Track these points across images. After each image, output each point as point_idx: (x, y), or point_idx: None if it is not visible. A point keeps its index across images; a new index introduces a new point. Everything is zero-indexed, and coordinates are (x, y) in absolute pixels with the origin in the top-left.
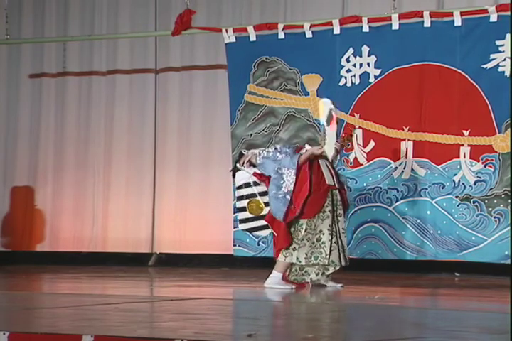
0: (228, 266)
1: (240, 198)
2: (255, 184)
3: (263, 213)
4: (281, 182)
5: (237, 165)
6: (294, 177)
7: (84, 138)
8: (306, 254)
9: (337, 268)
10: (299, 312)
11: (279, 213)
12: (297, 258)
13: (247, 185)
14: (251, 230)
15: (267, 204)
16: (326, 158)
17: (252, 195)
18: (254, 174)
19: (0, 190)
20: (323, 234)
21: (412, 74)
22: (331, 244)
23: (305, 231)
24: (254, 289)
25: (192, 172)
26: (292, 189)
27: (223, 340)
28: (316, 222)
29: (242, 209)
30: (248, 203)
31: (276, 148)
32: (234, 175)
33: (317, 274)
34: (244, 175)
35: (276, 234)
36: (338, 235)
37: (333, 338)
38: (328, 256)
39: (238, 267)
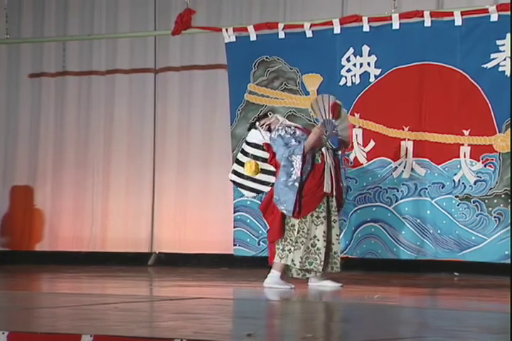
0: (228, 265)
1: (245, 153)
2: (264, 149)
3: (257, 177)
4: (291, 169)
5: (257, 123)
6: (301, 163)
7: (84, 138)
8: (301, 258)
9: (318, 274)
10: (298, 312)
11: (289, 204)
12: (292, 261)
13: (257, 146)
14: (238, 185)
15: (264, 171)
16: (333, 159)
17: (256, 157)
18: (264, 143)
19: None
20: (318, 240)
21: (413, 73)
22: (326, 250)
23: (298, 233)
24: (254, 289)
25: (192, 172)
26: (300, 175)
27: (223, 340)
28: (309, 226)
29: (241, 164)
30: (248, 161)
31: (295, 133)
32: (249, 129)
33: (298, 274)
34: (259, 137)
35: (268, 226)
36: (331, 241)
37: (332, 338)
38: (322, 263)
39: (238, 267)
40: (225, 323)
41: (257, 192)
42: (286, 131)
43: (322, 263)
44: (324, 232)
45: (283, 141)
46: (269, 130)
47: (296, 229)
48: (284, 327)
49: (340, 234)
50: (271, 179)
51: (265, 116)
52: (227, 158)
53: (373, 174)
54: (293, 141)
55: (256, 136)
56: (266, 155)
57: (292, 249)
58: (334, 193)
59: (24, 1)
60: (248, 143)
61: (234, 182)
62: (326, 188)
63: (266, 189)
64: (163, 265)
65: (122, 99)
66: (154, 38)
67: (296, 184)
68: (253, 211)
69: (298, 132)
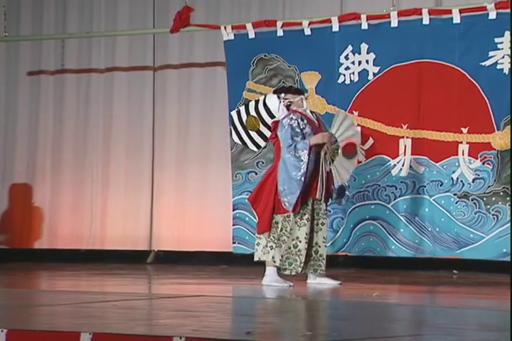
0: (227, 263)
1: (256, 107)
2: (272, 118)
3: (252, 132)
4: (301, 163)
5: (283, 94)
6: (307, 158)
7: (83, 136)
8: (282, 257)
9: (293, 273)
10: (297, 310)
11: (293, 198)
12: (273, 258)
13: (269, 112)
14: (232, 124)
15: (260, 133)
16: (329, 163)
17: (261, 119)
18: (273, 122)
19: None
20: (300, 241)
21: (411, 71)
22: (306, 252)
23: (280, 230)
24: (253, 286)
25: (191, 170)
26: (306, 170)
27: (222, 337)
28: (292, 225)
29: (247, 111)
30: (253, 117)
31: (304, 128)
32: (274, 93)
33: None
34: (275, 106)
35: (257, 217)
36: (317, 244)
37: (331, 335)
38: (302, 264)
39: (237, 264)
40: (224, 321)
41: (243, 142)
42: (298, 124)
43: (302, 264)
44: (306, 234)
45: (291, 132)
46: (288, 107)
47: (280, 227)
48: (283, 324)
49: (327, 236)
50: (261, 142)
51: (295, 92)
52: (226, 156)
53: (372, 172)
54: (300, 136)
55: (274, 103)
56: (269, 121)
57: (274, 246)
58: (323, 199)
59: None
60: (264, 104)
61: (232, 120)
62: (318, 195)
63: (251, 145)
64: (162, 263)
65: (121, 96)
66: (153, 36)
67: (303, 178)
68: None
69: (307, 128)
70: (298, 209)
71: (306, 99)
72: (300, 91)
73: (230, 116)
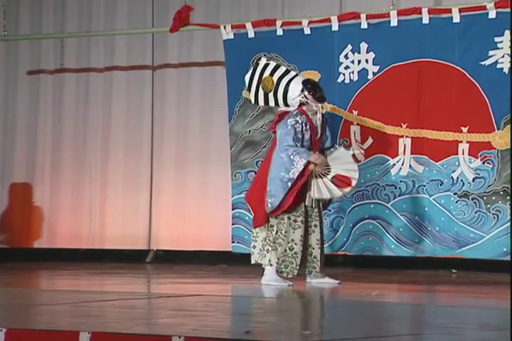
0: (226, 262)
1: (282, 75)
2: (284, 99)
3: (260, 92)
4: (292, 167)
5: (306, 91)
6: (302, 167)
7: (82, 135)
8: (278, 259)
9: (289, 276)
10: (296, 309)
11: (276, 200)
12: (269, 261)
13: (285, 94)
14: (252, 73)
15: (266, 97)
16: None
17: (275, 90)
18: (282, 111)
19: None
20: (296, 244)
21: (411, 71)
22: (303, 254)
23: (276, 233)
24: (252, 286)
25: (190, 170)
26: (296, 177)
27: (221, 337)
28: (287, 228)
29: (273, 71)
30: (272, 80)
31: (305, 132)
32: (303, 82)
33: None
34: (295, 94)
35: (253, 213)
36: (311, 246)
37: (329, 334)
38: (298, 267)
39: (236, 264)
40: (223, 320)
41: (249, 87)
42: (302, 129)
43: (298, 267)
44: (301, 236)
45: (294, 135)
46: (301, 104)
47: (275, 230)
48: (281, 324)
49: (321, 238)
50: (261, 101)
51: (317, 99)
52: (226, 155)
53: (371, 171)
54: (299, 143)
55: (294, 92)
56: (280, 95)
57: (270, 249)
58: (314, 205)
59: None
60: (288, 83)
61: (257, 63)
62: (308, 201)
63: (252, 95)
64: (161, 262)
65: (120, 96)
66: (152, 35)
67: (290, 184)
68: None
69: (307, 135)
70: (278, 213)
71: (322, 108)
72: (323, 100)
73: (259, 59)
